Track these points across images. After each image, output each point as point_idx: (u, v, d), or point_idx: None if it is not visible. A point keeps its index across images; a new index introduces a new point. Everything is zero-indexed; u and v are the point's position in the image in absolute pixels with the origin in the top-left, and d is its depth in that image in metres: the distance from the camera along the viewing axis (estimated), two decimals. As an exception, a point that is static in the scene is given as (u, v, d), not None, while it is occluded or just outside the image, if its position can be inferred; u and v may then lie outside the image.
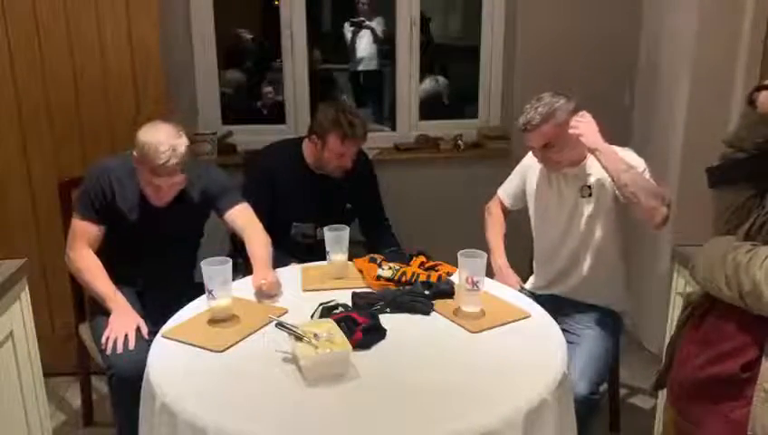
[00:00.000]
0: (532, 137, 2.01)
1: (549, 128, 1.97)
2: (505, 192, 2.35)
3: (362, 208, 2.69)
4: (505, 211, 2.37)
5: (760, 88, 1.34)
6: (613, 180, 1.90)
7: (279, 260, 2.20)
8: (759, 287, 1.18)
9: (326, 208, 2.53)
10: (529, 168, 2.24)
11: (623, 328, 2.24)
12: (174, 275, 2.20)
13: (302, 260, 2.30)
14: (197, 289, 1.95)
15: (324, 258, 2.11)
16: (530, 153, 2.17)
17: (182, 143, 1.98)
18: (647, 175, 1.96)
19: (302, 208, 2.56)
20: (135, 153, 2.01)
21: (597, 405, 1.91)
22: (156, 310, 1.92)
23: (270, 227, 2.24)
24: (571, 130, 1.94)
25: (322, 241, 2.34)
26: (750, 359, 1.24)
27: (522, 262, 2.34)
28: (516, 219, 2.35)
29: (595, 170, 2.04)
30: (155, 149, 1.93)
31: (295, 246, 2.52)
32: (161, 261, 2.15)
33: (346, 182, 2.57)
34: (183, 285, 2.19)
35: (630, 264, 2.29)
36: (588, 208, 2.09)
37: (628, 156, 1.98)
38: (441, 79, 3.57)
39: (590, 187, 2.07)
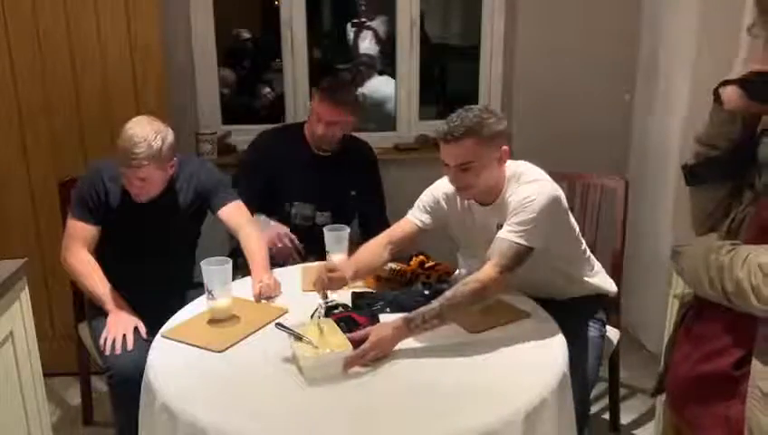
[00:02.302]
0: (451, 151, 1.79)
1: (471, 143, 1.76)
2: (417, 210, 2.04)
3: (363, 202, 2.69)
4: (409, 236, 2.02)
5: (724, 83, 1.31)
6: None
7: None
8: (742, 287, 1.19)
9: (327, 191, 2.55)
10: (443, 207, 2.01)
11: (612, 304, 2.16)
12: (172, 274, 2.20)
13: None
14: (197, 289, 1.95)
15: (318, 248, 2.12)
16: (433, 191, 2.02)
17: (159, 140, 1.96)
18: (527, 214, 1.74)
19: (301, 188, 2.56)
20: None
21: (587, 416, 1.88)
22: (155, 310, 1.92)
23: (269, 207, 2.25)
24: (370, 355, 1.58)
25: (319, 226, 2.36)
26: (740, 356, 1.25)
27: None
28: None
29: (507, 207, 1.85)
30: (129, 140, 1.94)
31: (294, 230, 2.51)
32: (159, 261, 2.15)
33: (348, 167, 2.58)
34: (182, 285, 2.19)
35: (630, 264, 2.28)
36: None
37: (529, 189, 1.80)
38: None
39: (502, 225, 1.82)
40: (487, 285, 1.69)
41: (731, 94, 1.29)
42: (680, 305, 1.50)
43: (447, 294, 1.69)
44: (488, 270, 1.71)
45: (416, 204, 2.05)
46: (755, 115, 1.30)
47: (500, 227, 1.80)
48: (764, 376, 1.20)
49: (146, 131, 1.96)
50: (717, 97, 1.33)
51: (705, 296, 1.31)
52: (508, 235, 1.75)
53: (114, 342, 1.92)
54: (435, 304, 1.67)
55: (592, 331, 2.01)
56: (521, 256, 1.73)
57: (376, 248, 2.00)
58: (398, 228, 2.03)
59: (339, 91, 2.48)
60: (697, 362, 1.34)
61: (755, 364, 1.22)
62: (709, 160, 1.36)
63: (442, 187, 2.00)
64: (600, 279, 2.08)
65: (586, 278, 2.03)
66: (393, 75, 3.39)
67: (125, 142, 1.95)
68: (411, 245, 2.07)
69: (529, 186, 1.82)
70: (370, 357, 1.57)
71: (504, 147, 1.84)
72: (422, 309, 1.66)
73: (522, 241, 1.73)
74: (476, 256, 1.92)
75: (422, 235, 2.03)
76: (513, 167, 1.89)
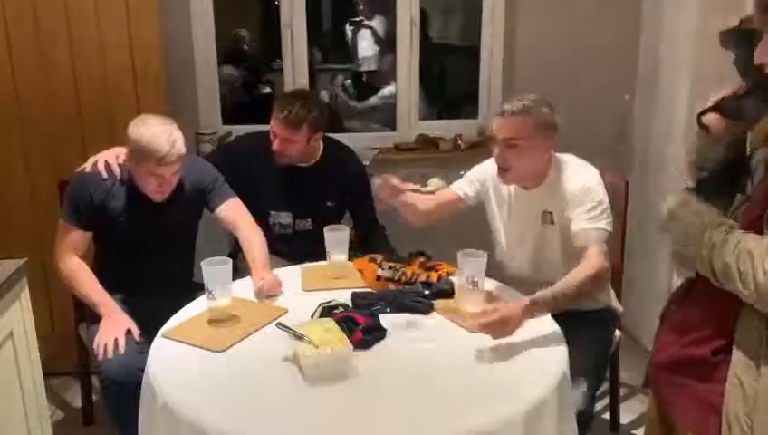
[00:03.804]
0: (503, 123, 1.89)
1: (523, 121, 1.87)
2: (459, 186, 2.16)
3: (352, 209, 2.66)
4: (452, 204, 2.16)
5: (705, 111, 1.37)
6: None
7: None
8: (729, 271, 1.23)
9: (303, 201, 2.51)
10: (488, 185, 2.12)
11: (618, 322, 2.20)
12: (172, 274, 2.20)
13: (281, 254, 2.38)
14: (196, 289, 1.95)
15: (302, 252, 2.14)
16: (483, 167, 2.10)
17: (176, 129, 2.00)
18: (594, 212, 1.87)
19: (276, 197, 2.52)
20: (129, 151, 2.01)
21: (592, 415, 1.90)
22: (154, 310, 1.92)
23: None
24: (480, 327, 1.63)
25: (300, 233, 2.38)
26: (720, 345, 1.30)
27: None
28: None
29: (554, 195, 1.95)
30: (155, 140, 1.94)
31: (276, 239, 2.50)
32: (158, 260, 2.14)
33: (327, 178, 2.53)
34: (182, 285, 2.18)
35: (630, 264, 2.29)
36: (553, 236, 1.99)
37: (583, 176, 1.93)
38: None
39: (551, 213, 1.97)
40: (600, 272, 1.80)
41: (713, 121, 1.36)
42: (668, 297, 1.55)
43: (564, 284, 1.75)
44: (594, 259, 1.81)
45: (463, 177, 2.14)
46: (739, 138, 1.34)
47: (546, 213, 1.92)
48: (744, 365, 1.25)
49: (167, 128, 1.98)
50: (702, 124, 1.38)
51: (686, 265, 1.37)
52: (593, 223, 1.86)
53: (106, 346, 1.91)
54: (558, 288, 1.73)
55: (599, 333, 2.03)
56: (607, 240, 1.86)
57: (423, 199, 2.09)
58: (442, 195, 2.12)
59: (289, 108, 2.35)
60: (681, 348, 1.39)
61: (736, 354, 1.27)
62: (701, 181, 1.42)
63: (492, 166, 2.04)
64: (612, 296, 2.14)
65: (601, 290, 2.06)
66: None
67: (152, 141, 1.94)
68: (448, 214, 2.18)
69: (583, 173, 1.94)
70: (497, 329, 1.61)
71: (553, 140, 1.93)
72: (546, 292, 1.72)
73: (608, 227, 1.87)
74: (501, 242, 2.07)
75: (460, 207, 2.15)
76: (555, 156, 1.99)
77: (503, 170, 1.94)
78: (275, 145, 2.40)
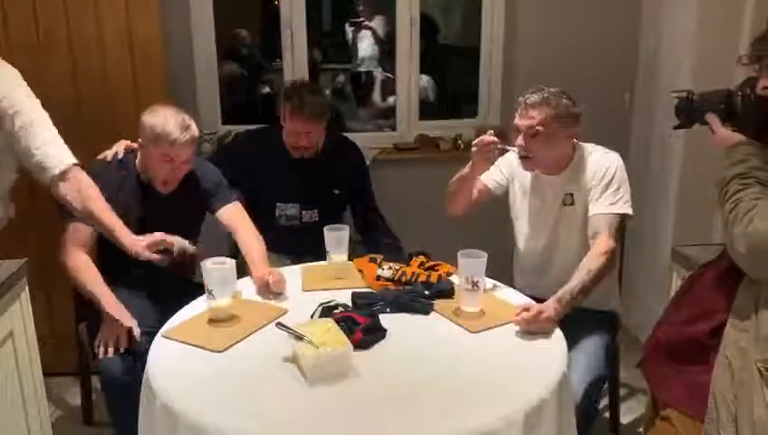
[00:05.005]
0: (524, 114, 1.95)
1: (545, 111, 1.92)
2: (488, 176, 2.22)
3: (353, 202, 2.68)
4: (481, 194, 2.22)
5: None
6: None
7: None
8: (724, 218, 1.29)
9: (310, 191, 2.54)
10: (514, 171, 2.17)
11: (620, 326, 2.23)
12: (173, 273, 2.19)
13: (285, 250, 2.37)
14: (196, 289, 1.95)
15: (306, 249, 2.16)
16: (510, 157, 2.13)
17: (188, 117, 2.05)
18: (615, 182, 1.96)
19: (284, 188, 2.55)
20: (141, 139, 2.05)
21: (596, 412, 1.91)
22: (154, 310, 1.92)
23: (254, 209, 2.26)
24: (516, 321, 1.69)
25: (307, 224, 2.39)
26: (719, 323, 1.33)
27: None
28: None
29: (576, 179, 2.02)
30: (169, 125, 1.99)
31: (282, 232, 2.51)
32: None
33: (332, 167, 2.56)
34: (182, 285, 2.18)
35: (630, 264, 2.29)
36: (572, 216, 2.04)
37: (606, 159, 2.01)
38: (425, 77, 3.67)
39: (571, 194, 2.03)
40: (612, 256, 1.86)
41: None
42: None
43: (582, 272, 1.80)
44: (605, 242, 1.86)
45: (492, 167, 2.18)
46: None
47: (567, 195, 1.97)
48: (734, 345, 1.28)
49: (180, 115, 2.02)
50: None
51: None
52: (611, 207, 1.92)
53: (107, 345, 1.90)
54: (576, 281, 1.77)
55: (603, 331, 2.04)
56: (622, 224, 1.92)
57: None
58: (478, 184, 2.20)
59: (310, 106, 2.40)
60: (680, 325, 1.43)
61: (728, 333, 1.30)
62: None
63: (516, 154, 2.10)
64: (617, 299, 2.16)
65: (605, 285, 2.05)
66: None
67: (166, 125, 1.99)
68: (477, 206, 2.22)
69: (606, 155, 2.01)
70: (533, 326, 1.66)
71: (575, 130, 1.98)
72: (568, 287, 1.76)
73: (626, 210, 1.93)
74: (523, 231, 2.12)
75: (486, 199, 2.21)
76: (579, 144, 2.06)
77: (525, 158, 2.00)
78: (301, 141, 2.45)
